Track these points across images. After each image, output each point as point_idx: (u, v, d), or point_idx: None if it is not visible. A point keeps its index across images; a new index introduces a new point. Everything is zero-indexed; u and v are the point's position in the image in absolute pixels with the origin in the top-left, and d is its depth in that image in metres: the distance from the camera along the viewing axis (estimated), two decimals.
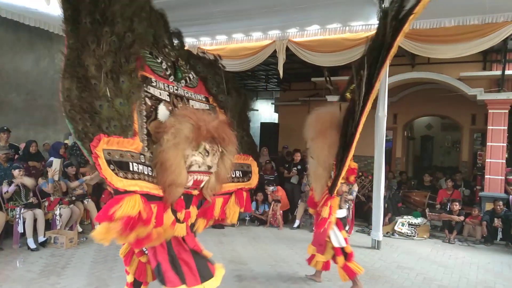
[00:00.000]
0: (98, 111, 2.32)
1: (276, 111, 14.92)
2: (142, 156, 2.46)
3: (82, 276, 4.68)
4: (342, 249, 4.54)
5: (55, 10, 6.24)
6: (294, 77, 12.14)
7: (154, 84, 2.80)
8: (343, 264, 4.50)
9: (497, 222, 6.90)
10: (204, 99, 3.24)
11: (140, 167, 2.41)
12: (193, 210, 2.85)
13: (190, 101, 3.06)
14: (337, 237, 4.55)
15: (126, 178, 2.28)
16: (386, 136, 6.80)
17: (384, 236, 6.76)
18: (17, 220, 5.67)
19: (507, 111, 7.71)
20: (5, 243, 5.73)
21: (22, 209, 5.73)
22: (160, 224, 2.48)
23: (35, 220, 5.75)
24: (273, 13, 6.78)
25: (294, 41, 7.48)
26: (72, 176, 6.74)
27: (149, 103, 2.68)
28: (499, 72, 7.96)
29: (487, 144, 7.85)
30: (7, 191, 5.73)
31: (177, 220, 2.64)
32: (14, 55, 7.88)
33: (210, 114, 2.80)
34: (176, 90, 2.98)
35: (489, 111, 7.83)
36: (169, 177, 2.44)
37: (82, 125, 2.29)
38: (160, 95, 2.81)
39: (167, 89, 2.89)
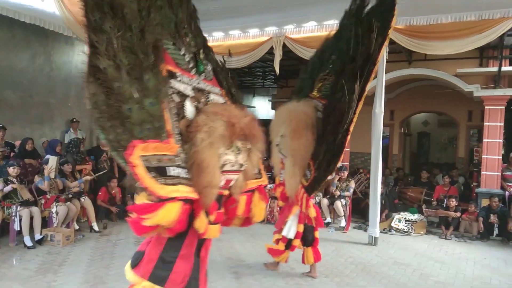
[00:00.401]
0: (128, 116, 2.15)
1: (273, 108, 14.89)
2: (177, 158, 2.32)
3: (78, 274, 4.68)
4: (290, 240, 4.67)
5: (50, 7, 6.22)
6: (291, 74, 12.12)
7: (179, 78, 2.62)
8: (282, 249, 4.70)
9: (493, 218, 6.94)
10: (219, 93, 3.05)
11: (178, 170, 2.27)
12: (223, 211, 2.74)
13: (211, 94, 2.88)
14: (289, 229, 4.64)
15: (166, 184, 2.14)
16: (383, 132, 6.81)
17: (381, 232, 6.78)
18: (13, 218, 5.65)
19: (503, 107, 7.74)
20: (1, 241, 5.72)
21: (19, 207, 5.71)
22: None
23: (31, 218, 5.72)
24: (270, 9, 6.76)
25: (291, 37, 7.47)
26: (68, 174, 6.73)
27: (177, 99, 2.52)
28: (495, 69, 7.97)
29: (484, 140, 7.88)
30: (2, 190, 5.71)
31: (209, 222, 2.51)
32: (9, 52, 7.82)
33: (240, 110, 2.62)
34: (198, 83, 2.79)
35: (486, 107, 7.86)
36: (205, 178, 2.30)
37: (114, 134, 2.12)
38: (185, 90, 2.63)
39: (190, 83, 2.71)
